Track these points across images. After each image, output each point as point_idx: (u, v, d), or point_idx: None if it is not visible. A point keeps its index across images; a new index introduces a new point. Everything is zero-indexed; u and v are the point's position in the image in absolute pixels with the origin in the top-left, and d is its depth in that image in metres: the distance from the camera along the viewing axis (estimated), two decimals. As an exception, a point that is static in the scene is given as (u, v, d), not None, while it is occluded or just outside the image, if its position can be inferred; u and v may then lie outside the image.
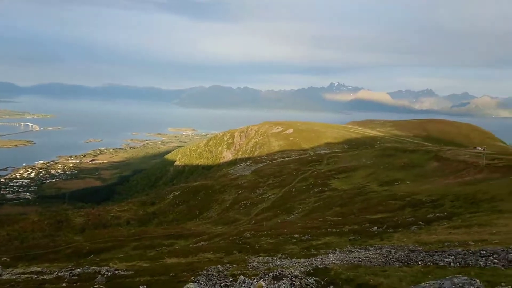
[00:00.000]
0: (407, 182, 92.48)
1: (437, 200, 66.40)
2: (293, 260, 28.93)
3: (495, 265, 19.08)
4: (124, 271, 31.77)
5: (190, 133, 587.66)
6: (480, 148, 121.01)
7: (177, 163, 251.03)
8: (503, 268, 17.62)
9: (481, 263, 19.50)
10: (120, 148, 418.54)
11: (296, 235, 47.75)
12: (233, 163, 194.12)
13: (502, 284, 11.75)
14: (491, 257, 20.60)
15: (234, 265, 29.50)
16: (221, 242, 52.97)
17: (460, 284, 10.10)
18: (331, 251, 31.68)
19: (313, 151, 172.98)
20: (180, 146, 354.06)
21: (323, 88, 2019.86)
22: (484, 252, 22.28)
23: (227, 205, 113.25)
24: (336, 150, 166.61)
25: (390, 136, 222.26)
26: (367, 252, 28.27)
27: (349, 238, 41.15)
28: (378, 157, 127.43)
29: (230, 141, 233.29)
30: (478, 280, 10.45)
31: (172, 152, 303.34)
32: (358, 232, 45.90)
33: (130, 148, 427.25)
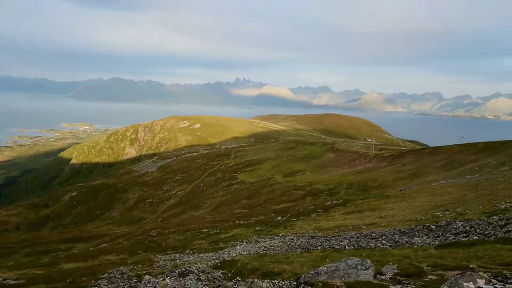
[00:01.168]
0: (308, 172, 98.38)
1: (334, 188, 71.87)
2: (201, 255, 28.86)
3: (384, 245, 21.31)
4: (14, 280, 28.58)
5: (87, 129, 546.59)
6: (369, 140, 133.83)
7: (73, 161, 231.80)
8: (390, 248, 19.70)
9: (371, 244, 21.64)
10: (5, 146, 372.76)
11: (205, 230, 47.71)
12: (137, 159, 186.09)
13: (390, 263, 13.09)
14: (380, 239, 22.96)
15: (139, 265, 28.43)
16: (125, 242, 50.61)
17: (353, 265, 11.02)
18: (238, 243, 32.30)
19: (221, 146, 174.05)
20: (77, 143, 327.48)
21: (230, 83, 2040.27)
22: (374, 234, 24.73)
23: (131, 204, 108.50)
24: (243, 144, 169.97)
25: (292, 129, 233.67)
26: (272, 241, 29.43)
27: (256, 229, 42.38)
28: (282, 150, 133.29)
29: (133, 136, 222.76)
30: (369, 261, 11.50)
31: (67, 149, 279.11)
32: (264, 222, 47.50)
33: (17, 146, 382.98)
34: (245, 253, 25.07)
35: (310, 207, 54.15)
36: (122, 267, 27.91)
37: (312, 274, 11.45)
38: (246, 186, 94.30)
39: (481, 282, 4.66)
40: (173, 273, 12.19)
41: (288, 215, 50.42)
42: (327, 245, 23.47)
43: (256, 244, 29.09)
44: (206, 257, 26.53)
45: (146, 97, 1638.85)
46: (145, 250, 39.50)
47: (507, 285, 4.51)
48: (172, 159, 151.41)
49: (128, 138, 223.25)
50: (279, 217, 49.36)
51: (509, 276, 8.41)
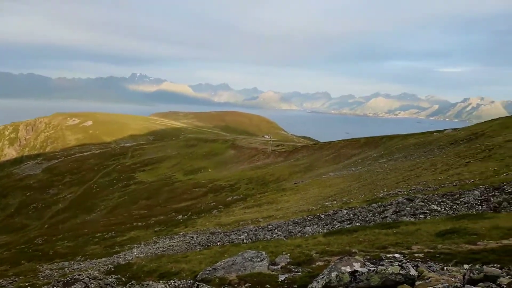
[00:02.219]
0: (210, 170, 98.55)
1: (235, 184, 73.24)
2: (94, 261, 27.00)
3: (279, 236, 22.36)
4: None
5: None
6: (267, 137, 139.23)
7: None
8: (285, 239, 20.74)
9: (268, 236, 22.55)
10: None
11: (99, 234, 44.74)
12: (18, 161, 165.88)
13: (283, 253, 13.75)
14: (275, 230, 24.03)
15: (22, 277, 25.55)
16: (5, 253, 44.92)
17: (249, 258, 11.32)
18: (135, 245, 30.96)
19: (116, 144, 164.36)
20: None
21: (125, 79, 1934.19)
22: (270, 226, 25.80)
23: (12, 210, 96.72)
24: (141, 142, 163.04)
25: (193, 127, 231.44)
26: (172, 241, 28.84)
27: (155, 229, 41.09)
28: (183, 147, 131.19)
29: (13, 135, 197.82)
30: (264, 252, 11.92)
31: None
32: (164, 222, 46.31)
33: None
34: (142, 255, 24.12)
35: (212, 204, 54.34)
36: (1, 280, 24.80)
37: (209, 270, 11.47)
38: (145, 186, 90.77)
39: (357, 266, 5.13)
40: (59, 283, 11.14)
41: (190, 213, 49.92)
42: (226, 240, 23.79)
43: (154, 245, 28.20)
44: (99, 262, 24.91)
45: (28, 92, 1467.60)
46: (29, 260, 35.65)
47: (379, 266, 5.04)
48: (59, 159, 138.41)
49: (7, 138, 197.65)
50: (180, 216, 48.60)
51: (383, 258, 9.50)
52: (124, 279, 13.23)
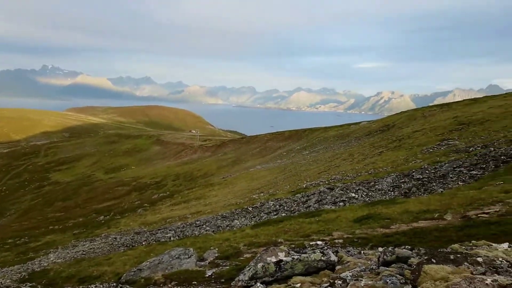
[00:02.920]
0: (133, 167, 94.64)
1: (161, 181, 71.26)
2: (5, 269, 24.56)
3: (207, 232, 22.26)
4: None
5: None
6: (194, 131, 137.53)
7: None
8: (213, 234, 20.69)
9: (196, 232, 22.32)
10: None
11: (10, 240, 40.85)
12: None
13: (212, 247, 13.69)
14: (204, 226, 23.88)
15: None
16: None
17: (176, 256, 11.09)
18: (52, 250, 28.74)
19: (27, 143, 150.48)
20: None
21: (35, 71, 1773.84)
22: (199, 222, 25.58)
23: None
24: (56, 140, 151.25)
25: (113, 122, 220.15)
26: (93, 243, 27.28)
27: (74, 232, 38.54)
28: (103, 144, 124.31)
29: None
30: (191, 249, 11.77)
31: None
32: (84, 224, 43.68)
33: None
34: (60, 260, 22.46)
35: (136, 203, 52.38)
36: None
37: (134, 271, 11.05)
38: (61, 186, 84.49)
39: (281, 255, 5.27)
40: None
41: (112, 213, 47.61)
42: (152, 239, 23.11)
43: (73, 249, 26.41)
44: (12, 270, 22.71)
45: None
46: None
47: (303, 254, 5.22)
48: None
49: None
50: (102, 217, 46.17)
51: (307, 246, 9.91)
52: (40, 287, 12.24)
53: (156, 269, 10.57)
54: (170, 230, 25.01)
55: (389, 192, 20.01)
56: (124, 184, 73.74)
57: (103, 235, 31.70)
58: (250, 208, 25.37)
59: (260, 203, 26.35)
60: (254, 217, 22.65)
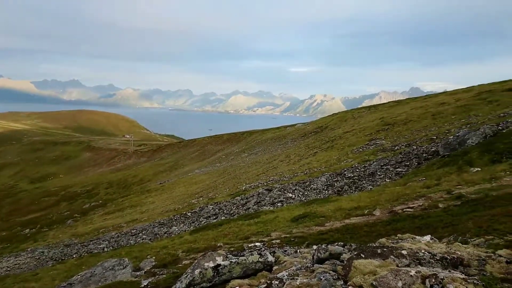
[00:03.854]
0: (61, 175, 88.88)
1: (93, 189, 67.63)
2: None
3: (144, 240, 21.51)
4: None
5: None
6: (128, 136, 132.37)
7: None
8: (150, 242, 20.04)
9: (131, 241, 21.45)
10: None
11: None
12: None
13: (148, 256, 13.24)
14: (140, 234, 23.03)
15: None
16: None
17: (110, 267, 10.56)
18: (-32, 271, 25.96)
19: None
20: None
21: None
22: (135, 230, 24.62)
23: None
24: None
25: (38, 128, 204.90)
26: (18, 258, 25.13)
27: (-5, 249, 35.22)
28: (27, 152, 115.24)
29: None
30: (126, 259, 11.27)
31: None
32: (7, 239, 40.25)
33: None
34: (-23, 282, 20.35)
35: (66, 213, 49.20)
36: None
37: (64, 286, 10.36)
38: (-22, 199, 76.84)
39: (219, 259, 5.22)
40: None
41: (39, 225, 44.28)
42: (84, 251, 21.82)
43: (-6, 267, 24.10)
44: None
45: None
46: None
47: (240, 257, 5.22)
48: None
49: None
50: (27, 230, 42.78)
51: (246, 248, 9.95)
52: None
53: (88, 283, 9.99)
54: (103, 241, 23.78)
55: (324, 191, 20.79)
56: (52, 194, 68.93)
57: (29, 249, 29.31)
58: (189, 213, 24.95)
59: (199, 207, 26.02)
60: (193, 222, 22.31)
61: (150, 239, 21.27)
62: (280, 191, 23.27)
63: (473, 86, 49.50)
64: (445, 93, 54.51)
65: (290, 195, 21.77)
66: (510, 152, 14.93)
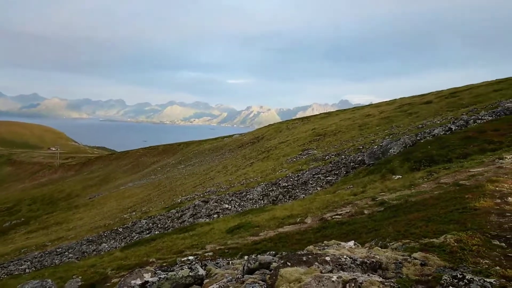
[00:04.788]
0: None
1: (14, 206, 62.23)
2: None
3: (70, 259, 20.15)
4: None
5: None
6: (54, 149, 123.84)
7: None
8: (77, 261, 18.82)
9: (56, 261, 19.97)
10: None
11: None
12: None
13: (74, 276, 12.42)
14: (66, 253, 21.53)
15: None
16: None
17: (30, 291, 9.77)
18: None
19: None
20: None
21: None
22: (60, 249, 22.97)
23: None
24: None
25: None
26: None
27: None
28: None
29: None
30: (49, 280, 10.49)
31: None
32: None
33: None
34: None
35: (-20, 234, 44.56)
36: None
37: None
38: None
39: (147, 276, 5.06)
40: None
41: None
42: (3, 273, 19.89)
43: None
44: None
45: None
46: None
47: (170, 273, 5.10)
48: None
49: None
50: None
51: (178, 263, 9.73)
52: None
53: (3, 311, 9.13)
54: (25, 261, 21.87)
55: (259, 200, 21.06)
56: (-36, 214, 62.15)
57: None
58: (121, 229, 23.86)
59: (132, 222, 25.01)
60: (125, 238, 21.36)
61: (77, 257, 19.99)
62: (216, 202, 23.15)
63: (395, 99, 53.48)
64: (370, 105, 58.27)
65: (227, 206, 21.75)
66: (427, 160, 16.28)
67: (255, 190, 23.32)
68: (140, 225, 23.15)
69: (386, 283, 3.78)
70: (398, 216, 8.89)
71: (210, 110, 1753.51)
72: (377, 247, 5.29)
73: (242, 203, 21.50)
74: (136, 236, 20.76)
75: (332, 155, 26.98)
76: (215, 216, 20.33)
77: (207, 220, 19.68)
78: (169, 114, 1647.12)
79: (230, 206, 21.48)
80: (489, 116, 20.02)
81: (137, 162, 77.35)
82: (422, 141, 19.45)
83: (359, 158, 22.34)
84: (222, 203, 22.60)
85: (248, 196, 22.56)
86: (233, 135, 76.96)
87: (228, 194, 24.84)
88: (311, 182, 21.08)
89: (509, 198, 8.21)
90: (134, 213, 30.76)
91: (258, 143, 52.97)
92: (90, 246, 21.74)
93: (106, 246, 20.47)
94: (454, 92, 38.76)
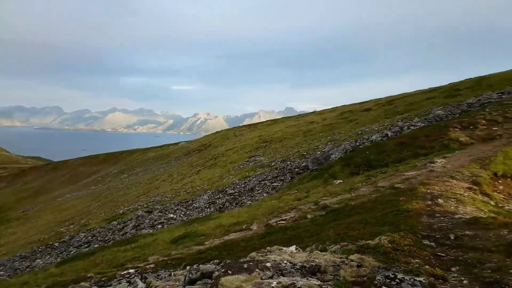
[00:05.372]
0: None
1: None
2: None
3: (1, 277, 18.67)
4: None
5: None
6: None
7: None
8: (8, 279, 17.46)
9: (-17, 282, 18.34)
10: None
11: None
12: None
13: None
14: (-4, 271, 19.86)
15: None
16: None
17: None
18: None
19: None
20: None
21: None
22: (-11, 268, 21.14)
23: None
24: None
25: None
26: None
27: None
28: None
29: None
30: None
31: None
32: None
33: None
34: None
35: None
36: None
37: None
38: None
39: (82, 292, 4.77)
40: None
41: None
42: None
43: None
44: None
45: None
46: None
47: (107, 287, 4.85)
48: None
49: None
50: None
51: (118, 276, 9.30)
52: None
53: None
54: None
55: (206, 209, 20.84)
56: None
57: None
58: (57, 244, 22.44)
59: (69, 236, 23.62)
60: (61, 253, 20.11)
61: (9, 275, 18.55)
62: (161, 212, 22.56)
63: (337, 107, 55.66)
64: (314, 113, 60.12)
65: (172, 215, 21.26)
66: (366, 165, 17.05)
67: (202, 198, 23.05)
68: (78, 239, 21.90)
69: (324, 286, 3.87)
70: (338, 220, 9.18)
71: (155, 117, 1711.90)
72: (317, 251, 5.41)
73: (188, 212, 21.14)
74: (74, 251, 19.60)
75: (278, 161, 27.40)
76: (159, 226, 19.78)
77: (151, 231, 19.10)
78: (111, 121, 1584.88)
79: (175, 216, 21.02)
80: (421, 123, 21.43)
81: (76, 172, 73.43)
82: (361, 146, 20.37)
83: (304, 164, 22.90)
84: (167, 212, 22.06)
85: (194, 204, 22.24)
86: (179, 142, 75.66)
87: (173, 203, 24.31)
88: (257, 188, 21.24)
89: (439, 199, 8.81)
90: (72, 226, 29.08)
91: (205, 151, 52.52)
92: (24, 262, 20.21)
93: (41, 262, 19.13)
94: (391, 100, 41.06)
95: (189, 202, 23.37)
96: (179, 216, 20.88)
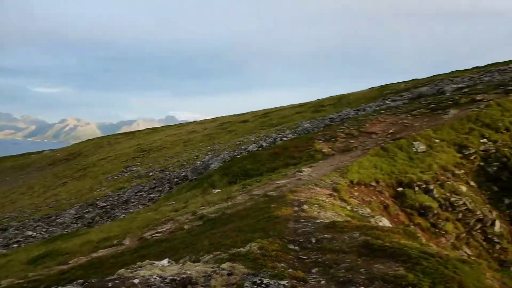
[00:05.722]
0: None
1: None
2: None
3: None
4: None
5: None
6: None
7: None
8: None
9: None
10: None
11: None
12: None
13: None
14: None
15: None
16: None
17: None
18: None
19: None
20: None
21: None
22: None
23: None
24: None
25: None
26: None
27: None
28: None
29: None
30: None
31: None
32: None
33: None
34: None
35: None
36: None
37: None
38: None
39: None
40: None
41: None
42: None
43: None
44: None
45: None
46: None
47: None
48: None
49: None
50: None
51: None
52: None
53: None
54: None
55: (72, 224, 19.02)
56: None
57: None
58: None
59: None
60: None
61: None
62: (17, 229, 19.84)
63: (217, 117, 56.68)
64: (195, 122, 60.17)
65: (31, 233, 18.85)
66: (243, 174, 17.66)
67: (67, 213, 20.97)
68: None
69: (194, 298, 3.84)
70: (215, 229, 9.27)
71: (13, 122, 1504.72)
72: (189, 262, 5.36)
73: (51, 229, 19.00)
74: None
75: (157, 171, 26.58)
76: (14, 246, 17.35)
77: (4, 251, 16.64)
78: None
79: (35, 233, 18.68)
80: (292, 135, 23.16)
81: None
82: (239, 156, 21.05)
83: (183, 174, 22.64)
84: (24, 230, 19.48)
85: (58, 220, 20.10)
86: (43, 151, 67.79)
87: (33, 219, 21.60)
88: (133, 200, 20.23)
89: (305, 206, 9.57)
90: None
91: (74, 160, 48.11)
92: None
93: None
94: (266, 113, 43.47)
95: (52, 218, 21.06)
96: (40, 233, 18.62)
